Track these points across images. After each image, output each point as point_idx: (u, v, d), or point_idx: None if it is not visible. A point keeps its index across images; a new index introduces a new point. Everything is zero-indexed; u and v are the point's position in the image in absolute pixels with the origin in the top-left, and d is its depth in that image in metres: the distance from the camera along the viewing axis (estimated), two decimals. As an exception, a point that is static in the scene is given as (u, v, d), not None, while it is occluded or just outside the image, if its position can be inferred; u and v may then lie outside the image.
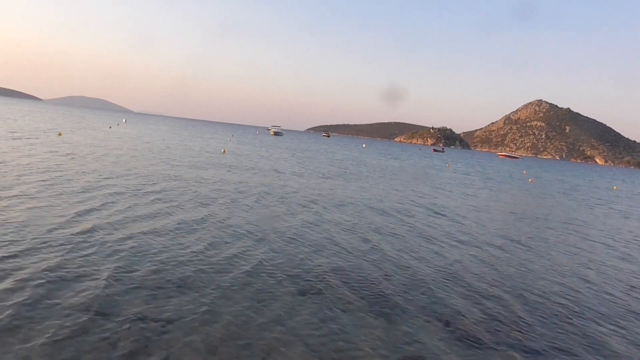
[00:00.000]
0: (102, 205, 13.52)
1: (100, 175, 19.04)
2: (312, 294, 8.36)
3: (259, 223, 13.70)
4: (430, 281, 9.87)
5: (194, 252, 10.01)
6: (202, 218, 13.42)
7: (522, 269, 11.87)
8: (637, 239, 19.13)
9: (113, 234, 10.66)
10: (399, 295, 8.77)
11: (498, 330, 7.63)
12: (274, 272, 9.31)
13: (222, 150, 43.74)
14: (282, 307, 7.55)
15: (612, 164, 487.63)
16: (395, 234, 14.43)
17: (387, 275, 9.93)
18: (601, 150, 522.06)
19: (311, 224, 14.45)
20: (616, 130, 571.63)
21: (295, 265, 9.92)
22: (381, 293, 8.81)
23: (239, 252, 10.37)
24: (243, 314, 7.10)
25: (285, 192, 20.77)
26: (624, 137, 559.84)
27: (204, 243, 10.79)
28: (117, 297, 7.21)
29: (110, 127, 67.24)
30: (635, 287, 11.31)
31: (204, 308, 7.15)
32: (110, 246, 9.69)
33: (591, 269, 12.68)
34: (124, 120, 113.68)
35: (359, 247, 12.19)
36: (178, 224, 12.39)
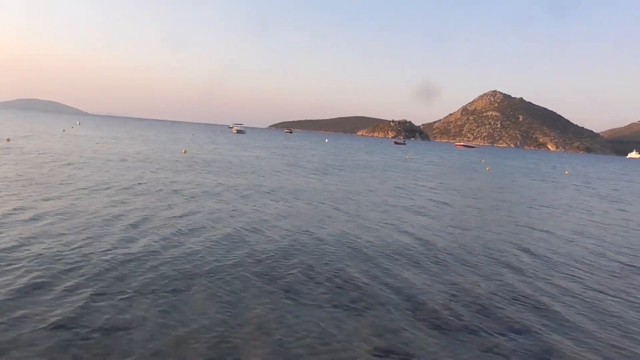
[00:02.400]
0: (50, 211, 13.03)
1: (51, 181, 18.36)
2: (280, 290, 8.32)
3: (219, 222, 13.54)
4: (395, 270, 10.00)
5: (153, 254, 9.79)
6: (168, 219, 13.14)
7: (482, 253, 12.17)
8: (595, 220, 19.94)
9: (61, 240, 10.30)
10: (366, 287, 8.84)
11: (463, 314, 7.80)
12: (239, 271, 9.22)
13: (183, 151, 42.97)
14: (249, 306, 7.48)
15: (563, 150, 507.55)
16: (354, 222, 14.55)
17: (353, 268, 9.99)
18: (552, 137, 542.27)
19: (277, 218, 14.38)
20: (565, 117, 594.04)
21: (260, 263, 9.84)
22: (349, 285, 8.86)
23: (202, 252, 10.21)
24: (208, 316, 6.99)
25: (247, 187, 20.61)
26: (573, 124, 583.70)
27: (169, 245, 10.57)
28: (77, 306, 6.97)
29: (64, 130, 64.89)
30: (595, 265, 11.77)
31: (168, 311, 7.01)
32: (65, 254, 9.36)
33: (549, 249, 13.13)
34: (77, 123, 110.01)
35: (325, 240, 12.21)
36: (130, 226, 12.08)
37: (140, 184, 19.46)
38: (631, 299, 9.46)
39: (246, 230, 12.76)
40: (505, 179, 42.34)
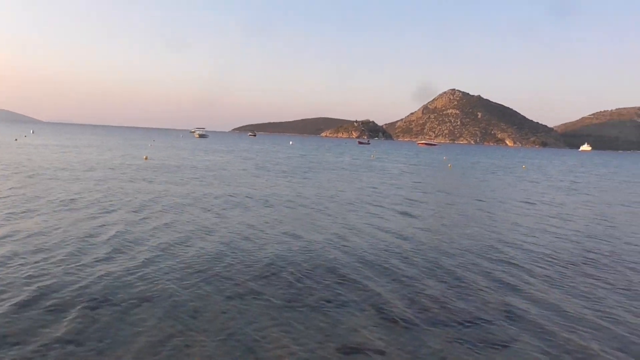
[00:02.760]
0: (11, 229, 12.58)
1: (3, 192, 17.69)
2: (245, 294, 8.30)
3: (179, 228, 13.38)
4: (363, 269, 10.11)
5: (118, 263, 9.59)
6: (140, 228, 12.88)
7: (447, 248, 12.45)
8: (553, 211, 20.68)
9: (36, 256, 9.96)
10: (334, 285, 8.91)
11: (425, 310, 7.97)
12: (202, 276, 9.14)
13: (144, 157, 42.10)
14: (214, 312, 7.44)
15: (520, 145, 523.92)
16: (317, 224, 14.64)
17: (320, 267, 10.04)
18: (510, 133, 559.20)
19: (242, 223, 14.31)
20: (522, 113, 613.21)
21: (225, 267, 9.78)
22: (313, 287, 8.91)
23: (171, 258, 10.07)
24: (170, 324, 6.91)
25: (216, 193, 20.40)
26: (529, 120, 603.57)
27: (133, 255, 10.37)
28: (26, 320, 6.77)
29: (16, 140, 62.46)
30: (550, 257, 12.22)
31: (130, 321, 6.90)
32: (40, 269, 9.06)
33: (512, 242, 13.55)
34: (31, 132, 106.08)
35: (290, 243, 12.23)
36: (85, 237, 11.80)
37: (104, 195, 18.98)
38: (588, 288, 9.88)
39: (215, 235, 12.63)
40: (467, 175, 43.40)
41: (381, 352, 6.39)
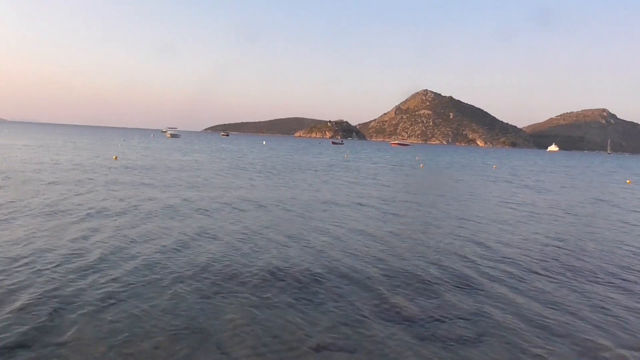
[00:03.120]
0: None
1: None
2: (218, 293, 8.27)
3: (173, 231, 13.22)
4: (329, 268, 10.19)
5: (110, 265, 9.43)
6: (119, 230, 12.64)
7: (414, 248, 12.64)
8: (520, 208, 21.19)
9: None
10: (303, 287, 8.96)
11: (395, 309, 8.09)
12: (179, 276, 9.06)
13: (114, 157, 41.31)
14: (192, 311, 7.40)
15: (490, 145, 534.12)
16: (293, 225, 14.67)
17: (295, 265, 10.07)
18: (481, 134, 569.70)
19: (230, 223, 14.21)
20: (492, 114, 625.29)
21: (203, 266, 9.72)
22: (285, 286, 8.93)
23: (161, 261, 9.94)
24: (151, 324, 6.85)
25: (194, 195, 20.18)
26: (499, 120, 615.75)
27: (126, 256, 10.20)
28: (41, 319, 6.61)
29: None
30: (520, 256, 12.54)
31: (126, 320, 6.81)
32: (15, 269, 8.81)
33: (484, 238, 13.83)
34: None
35: (269, 240, 12.22)
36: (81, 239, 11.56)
37: (77, 199, 18.57)
38: (560, 278, 10.19)
39: (201, 237, 12.51)
40: (439, 174, 44.06)
41: (351, 351, 6.46)
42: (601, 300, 9.10)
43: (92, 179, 23.93)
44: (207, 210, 16.62)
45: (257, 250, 11.51)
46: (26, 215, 13.95)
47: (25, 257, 9.72)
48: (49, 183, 21.38)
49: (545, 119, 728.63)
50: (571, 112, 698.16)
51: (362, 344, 6.65)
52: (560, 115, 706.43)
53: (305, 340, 6.69)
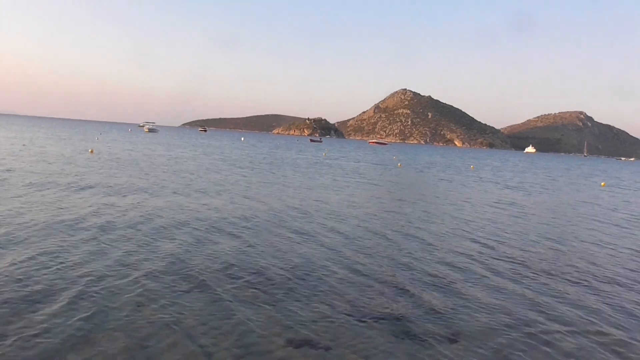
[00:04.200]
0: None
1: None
2: (198, 290, 8.25)
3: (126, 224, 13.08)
4: (317, 263, 10.26)
5: (75, 259, 9.29)
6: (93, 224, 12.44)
7: (391, 247, 12.80)
8: (492, 209, 21.58)
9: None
10: (282, 282, 9.00)
11: (372, 306, 8.20)
12: (153, 273, 9.01)
13: (90, 150, 40.53)
14: (168, 308, 7.38)
15: (468, 146, 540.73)
16: (273, 222, 14.68)
17: (270, 265, 10.10)
18: (459, 134, 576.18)
19: (201, 219, 14.13)
20: (470, 115, 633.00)
21: (176, 262, 9.67)
22: (264, 282, 8.97)
23: (116, 257, 9.84)
24: (125, 321, 6.81)
25: (181, 190, 19.97)
26: (477, 121, 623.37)
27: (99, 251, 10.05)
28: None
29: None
30: (499, 256, 12.79)
31: (87, 317, 6.74)
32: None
33: (463, 238, 14.07)
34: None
35: (244, 239, 12.21)
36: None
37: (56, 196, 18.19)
38: (541, 278, 10.43)
39: (172, 230, 12.42)
40: (417, 174, 44.49)
41: (327, 347, 6.53)
42: (582, 298, 9.37)
43: (79, 172, 23.46)
44: (193, 205, 16.49)
45: (242, 247, 11.49)
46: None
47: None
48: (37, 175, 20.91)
49: (523, 120, 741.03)
50: (548, 114, 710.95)
51: (339, 341, 6.73)
52: (538, 117, 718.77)
53: (282, 336, 6.75)
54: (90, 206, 15.26)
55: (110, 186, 20.06)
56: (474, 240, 14.36)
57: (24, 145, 42.78)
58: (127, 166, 29.93)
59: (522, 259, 12.39)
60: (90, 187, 19.43)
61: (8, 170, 22.73)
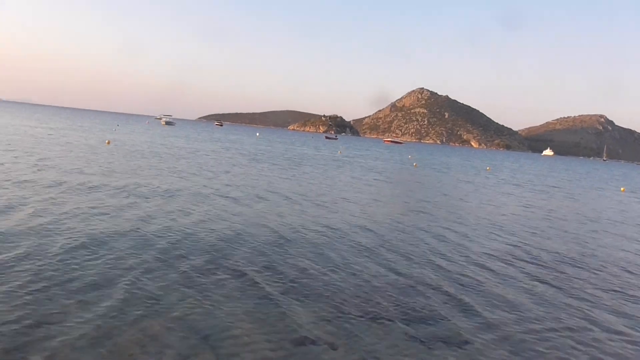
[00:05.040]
0: None
1: None
2: (197, 285, 8.18)
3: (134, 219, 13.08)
4: (319, 264, 10.14)
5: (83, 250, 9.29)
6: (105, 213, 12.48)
7: (406, 248, 12.61)
8: (512, 208, 21.25)
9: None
10: (290, 281, 8.90)
11: (381, 306, 8.05)
12: (152, 267, 8.96)
13: (107, 142, 40.92)
14: (160, 300, 7.32)
15: (484, 147, 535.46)
16: (283, 217, 14.59)
17: (274, 262, 10.01)
18: (475, 135, 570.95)
19: (212, 216, 14.09)
20: (487, 115, 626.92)
21: (176, 258, 9.62)
22: (271, 279, 8.87)
23: (116, 252, 9.82)
24: (130, 312, 6.75)
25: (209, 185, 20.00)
26: (494, 122, 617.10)
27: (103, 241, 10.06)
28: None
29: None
30: (517, 258, 12.54)
31: (89, 307, 6.70)
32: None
33: (471, 242, 13.83)
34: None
35: (259, 235, 12.13)
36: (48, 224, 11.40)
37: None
38: (560, 280, 10.18)
39: (187, 228, 12.40)
40: (435, 174, 44.11)
41: (333, 347, 6.40)
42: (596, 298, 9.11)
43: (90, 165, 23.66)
44: (209, 200, 16.48)
45: (251, 243, 11.43)
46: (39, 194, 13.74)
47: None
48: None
49: (542, 122, 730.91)
50: (568, 117, 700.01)
51: (344, 340, 6.60)
52: (557, 119, 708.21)
53: (288, 334, 6.64)
54: (126, 197, 15.33)
55: (139, 178, 20.17)
56: (499, 243, 14.12)
57: (49, 134, 43.41)
58: (151, 158, 30.17)
59: (548, 262, 12.12)
60: (121, 178, 19.54)
61: (41, 160, 23.03)
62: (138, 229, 11.62)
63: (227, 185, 21.21)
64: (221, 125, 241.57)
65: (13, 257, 8.55)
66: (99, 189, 16.58)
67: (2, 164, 20.31)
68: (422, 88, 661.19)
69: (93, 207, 13.52)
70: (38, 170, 19.62)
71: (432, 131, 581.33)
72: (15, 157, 23.32)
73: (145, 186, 18.31)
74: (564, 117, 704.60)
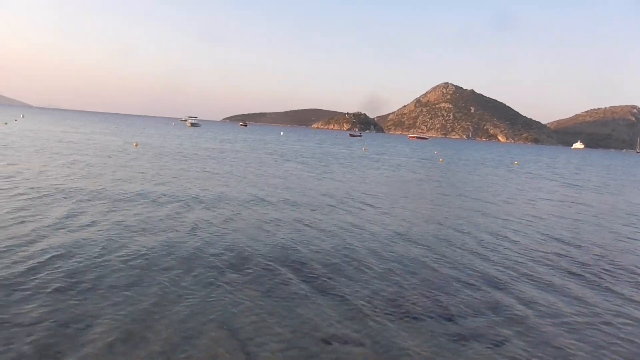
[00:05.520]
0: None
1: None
2: (224, 283, 8.20)
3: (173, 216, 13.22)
4: (347, 261, 10.05)
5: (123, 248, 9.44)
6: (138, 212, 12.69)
7: (444, 240, 12.42)
8: (540, 203, 20.76)
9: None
10: (318, 278, 8.85)
11: (411, 304, 7.92)
12: (183, 262, 9.03)
13: (134, 144, 41.66)
14: (193, 297, 7.35)
15: (512, 141, 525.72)
16: (314, 215, 14.53)
17: (305, 259, 9.97)
18: (502, 129, 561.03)
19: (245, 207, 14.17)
20: (515, 109, 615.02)
21: (216, 255, 9.67)
22: (299, 277, 8.83)
23: (158, 245, 9.94)
24: (165, 309, 6.81)
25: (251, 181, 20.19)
26: (522, 116, 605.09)
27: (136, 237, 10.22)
28: (17, 301, 6.62)
29: (6, 124, 61.62)
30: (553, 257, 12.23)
31: (118, 307, 6.78)
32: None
33: (501, 240, 13.54)
34: (21, 116, 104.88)
35: (289, 234, 12.13)
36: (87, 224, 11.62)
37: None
38: (596, 279, 9.88)
39: (217, 226, 12.50)
40: (463, 169, 43.50)
41: (361, 344, 6.32)
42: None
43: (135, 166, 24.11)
44: (263, 200, 16.59)
45: (276, 240, 11.42)
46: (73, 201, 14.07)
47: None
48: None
49: (571, 115, 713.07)
50: (598, 109, 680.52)
51: (372, 338, 6.51)
52: (587, 111, 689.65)
53: (315, 331, 6.59)
54: (176, 199, 15.57)
55: (176, 177, 20.48)
56: (530, 239, 13.78)
57: (88, 139, 44.49)
58: (180, 159, 30.59)
59: (586, 259, 11.77)
60: (166, 180, 19.87)
61: (89, 165, 23.63)
62: (195, 231, 11.74)
63: (255, 185, 21.31)
64: (245, 125, 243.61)
65: (49, 258, 8.73)
66: (134, 193, 16.83)
67: (45, 169, 20.86)
68: (447, 83, 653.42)
69: (124, 209, 13.73)
70: (80, 176, 20.05)
71: (458, 126, 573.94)
72: (55, 161, 23.93)
73: (183, 190, 18.54)
74: (594, 109, 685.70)
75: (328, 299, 7.83)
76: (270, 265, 9.41)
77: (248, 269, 9.09)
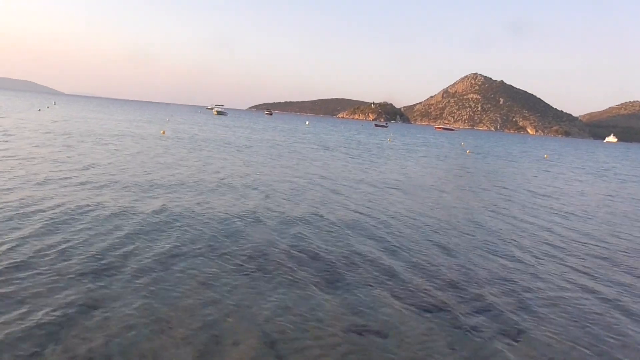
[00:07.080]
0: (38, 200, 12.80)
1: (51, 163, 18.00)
2: (254, 271, 8.34)
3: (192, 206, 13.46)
4: (374, 251, 10.09)
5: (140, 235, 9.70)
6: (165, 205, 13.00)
7: (468, 234, 12.35)
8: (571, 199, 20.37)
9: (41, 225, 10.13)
10: (344, 268, 8.92)
11: (436, 296, 7.93)
12: (214, 252, 9.20)
13: (162, 132, 42.34)
14: (224, 287, 7.50)
15: (542, 134, 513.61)
16: (339, 205, 14.58)
17: (331, 248, 10.04)
18: (532, 121, 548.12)
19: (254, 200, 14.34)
20: (545, 101, 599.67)
21: (234, 244, 9.83)
22: (326, 266, 8.92)
23: (179, 235, 10.16)
24: (184, 298, 6.98)
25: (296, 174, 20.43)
26: (553, 108, 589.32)
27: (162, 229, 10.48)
28: (53, 286, 6.90)
29: (39, 110, 63.40)
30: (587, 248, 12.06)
31: (146, 292, 6.99)
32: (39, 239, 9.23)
33: (539, 231, 13.37)
34: (53, 103, 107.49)
35: (304, 220, 12.23)
36: (112, 213, 11.94)
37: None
38: (607, 284, 9.73)
39: (243, 214, 12.70)
40: (494, 162, 42.86)
41: (384, 335, 6.38)
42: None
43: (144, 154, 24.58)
44: (275, 186, 16.77)
45: (312, 229, 11.53)
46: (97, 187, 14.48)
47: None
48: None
49: (605, 107, 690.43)
50: (634, 101, 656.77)
51: (395, 329, 6.56)
52: (622, 104, 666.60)
53: (337, 322, 6.66)
54: (218, 188, 15.90)
55: (221, 165, 20.83)
56: (558, 236, 13.58)
57: (127, 127, 45.41)
58: (215, 147, 30.98)
59: (618, 256, 11.56)
60: (212, 166, 20.25)
61: (138, 153, 24.27)
62: (228, 216, 11.98)
63: (283, 173, 21.44)
64: (271, 114, 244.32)
65: (75, 243, 9.04)
66: (164, 182, 17.18)
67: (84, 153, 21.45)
68: (476, 73, 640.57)
69: (153, 197, 14.05)
70: (124, 161, 20.55)
71: (486, 117, 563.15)
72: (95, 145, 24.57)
73: (225, 177, 18.83)
74: (629, 102, 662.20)
75: (351, 289, 7.88)
76: (296, 253, 9.51)
77: (267, 258, 9.22)
